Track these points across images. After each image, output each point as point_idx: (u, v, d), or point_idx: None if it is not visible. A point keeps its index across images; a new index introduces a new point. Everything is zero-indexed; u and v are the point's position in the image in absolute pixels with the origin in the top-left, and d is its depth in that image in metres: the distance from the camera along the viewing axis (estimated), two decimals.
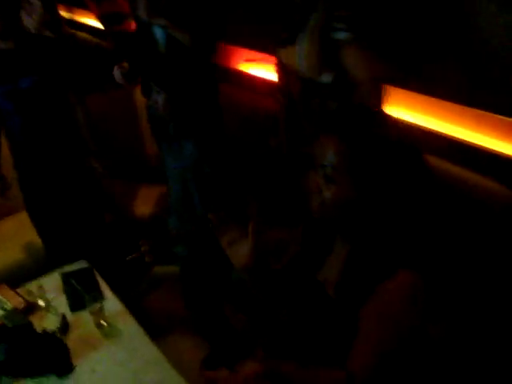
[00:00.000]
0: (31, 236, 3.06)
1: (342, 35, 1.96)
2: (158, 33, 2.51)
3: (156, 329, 2.85)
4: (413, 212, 1.29)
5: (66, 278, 2.48)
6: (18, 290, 2.46)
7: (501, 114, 2.11)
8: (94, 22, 5.13)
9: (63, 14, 5.26)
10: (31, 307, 2.37)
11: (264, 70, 3.09)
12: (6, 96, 2.63)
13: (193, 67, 2.34)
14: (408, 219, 1.29)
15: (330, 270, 1.40)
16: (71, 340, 2.13)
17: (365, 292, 1.26)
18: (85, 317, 2.26)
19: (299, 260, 1.51)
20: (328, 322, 1.33)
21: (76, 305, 2.33)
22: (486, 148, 2.19)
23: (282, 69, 2.25)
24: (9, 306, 2.36)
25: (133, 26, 4.00)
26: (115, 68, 2.62)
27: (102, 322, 2.19)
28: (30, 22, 3.48)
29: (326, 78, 2.03)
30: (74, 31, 5.12)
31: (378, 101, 2.24)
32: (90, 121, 2.87)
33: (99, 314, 2.19)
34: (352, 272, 1.32)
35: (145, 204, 3.53)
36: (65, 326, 2.21)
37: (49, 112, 2.75)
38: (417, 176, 1.28)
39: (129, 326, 2.22)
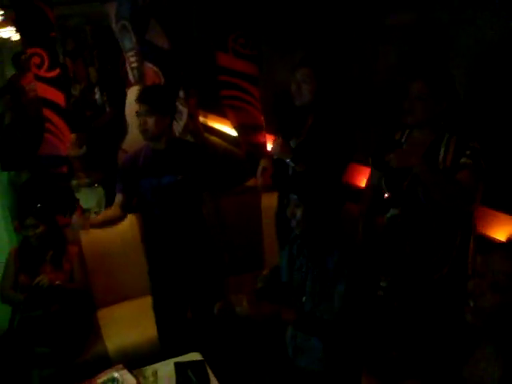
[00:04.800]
0: (149, 322, 3.21)
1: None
2: None
3: None
4: None
5: (180, 368, 2.57)
6: (134, 372, 2.58)
7: None
8: (227, 129, 5.55)
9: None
10: None
11: None
12: (150, 190, 2.92)
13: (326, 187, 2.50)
14: None
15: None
16: None
17: None
18: None
19: None
20: None
21: None
22: None
23: None
24: None
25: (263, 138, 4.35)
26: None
27: None
28: (175, 126, 3.83)
29: None
30: (207, 135, 5.55)
31: None
32: (221, 219, 3.08)
33: None
34: None
35: None
36: None
37: (184, 207, 2.99)
38: None
39: None
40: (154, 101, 2.82)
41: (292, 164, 2.76)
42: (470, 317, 1.43)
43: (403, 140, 2.58)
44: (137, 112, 2.84)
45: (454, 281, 2.41)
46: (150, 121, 2.80)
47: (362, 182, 3.57)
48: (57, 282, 3.07)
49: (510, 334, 1.38)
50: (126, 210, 3.12)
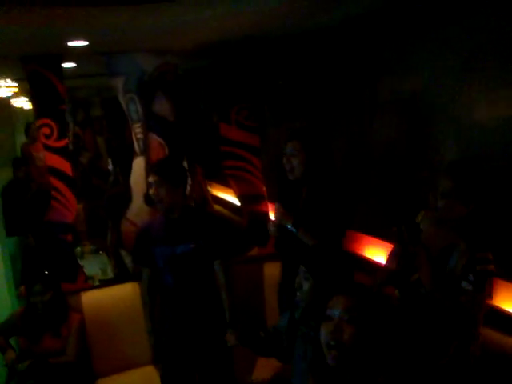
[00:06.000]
0: None
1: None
2: None
3: None
4: None
5: None
6: None
7: None
8: (230, 198, 5.65)
9: None
10: None
11: None
12: (164, 258, 2.97)
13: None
14: None
15: None
16: None
17: None
18: None
19: None
20: None
21: None
22: None
23: None
24: None
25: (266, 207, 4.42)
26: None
27: None
28: None
29: None
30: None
31: None
32: (230, 287, 3.10)
33: None
34: None
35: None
36: None
37: (198, 276, 3.03)
38: None
39: None
40: (165, 172, 2.94)
41: (294, 230, 2.81)
42: (332, 357, 1.66)
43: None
44: (149, 182, 2.95)
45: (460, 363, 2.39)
46: (162, 191, 2.89)
47: (364, 251, 3.62)
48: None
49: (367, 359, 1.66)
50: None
